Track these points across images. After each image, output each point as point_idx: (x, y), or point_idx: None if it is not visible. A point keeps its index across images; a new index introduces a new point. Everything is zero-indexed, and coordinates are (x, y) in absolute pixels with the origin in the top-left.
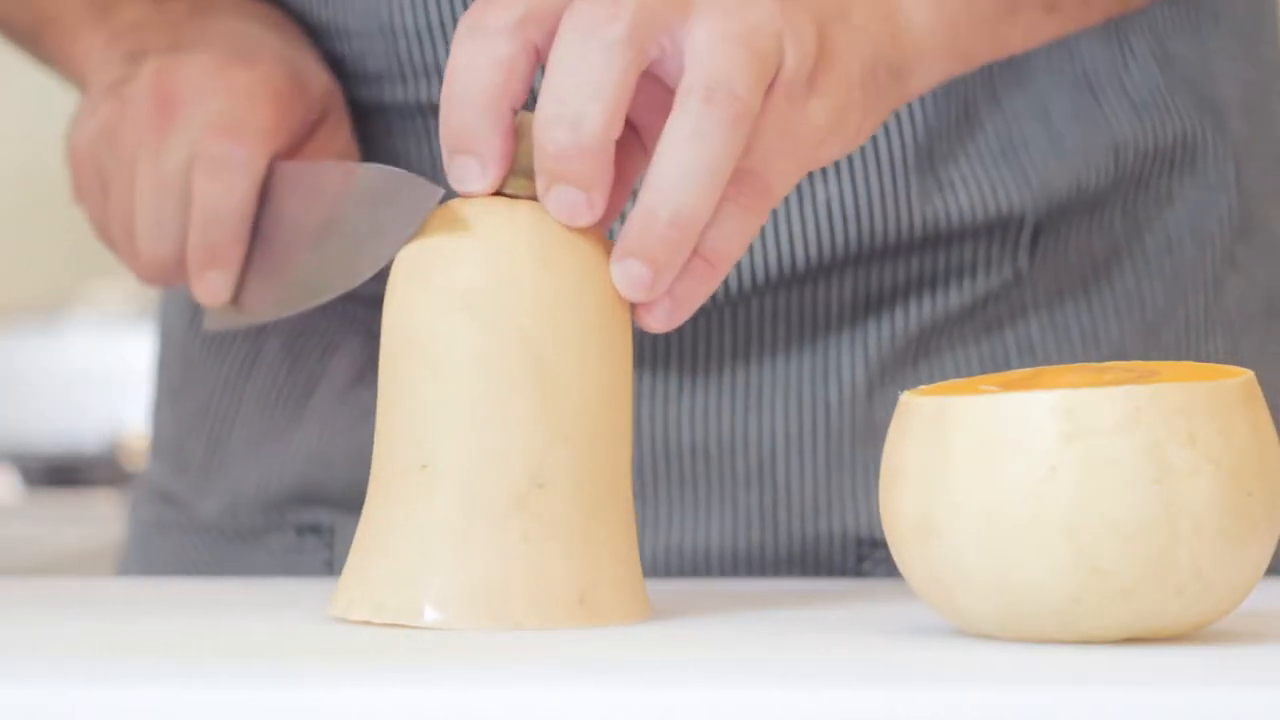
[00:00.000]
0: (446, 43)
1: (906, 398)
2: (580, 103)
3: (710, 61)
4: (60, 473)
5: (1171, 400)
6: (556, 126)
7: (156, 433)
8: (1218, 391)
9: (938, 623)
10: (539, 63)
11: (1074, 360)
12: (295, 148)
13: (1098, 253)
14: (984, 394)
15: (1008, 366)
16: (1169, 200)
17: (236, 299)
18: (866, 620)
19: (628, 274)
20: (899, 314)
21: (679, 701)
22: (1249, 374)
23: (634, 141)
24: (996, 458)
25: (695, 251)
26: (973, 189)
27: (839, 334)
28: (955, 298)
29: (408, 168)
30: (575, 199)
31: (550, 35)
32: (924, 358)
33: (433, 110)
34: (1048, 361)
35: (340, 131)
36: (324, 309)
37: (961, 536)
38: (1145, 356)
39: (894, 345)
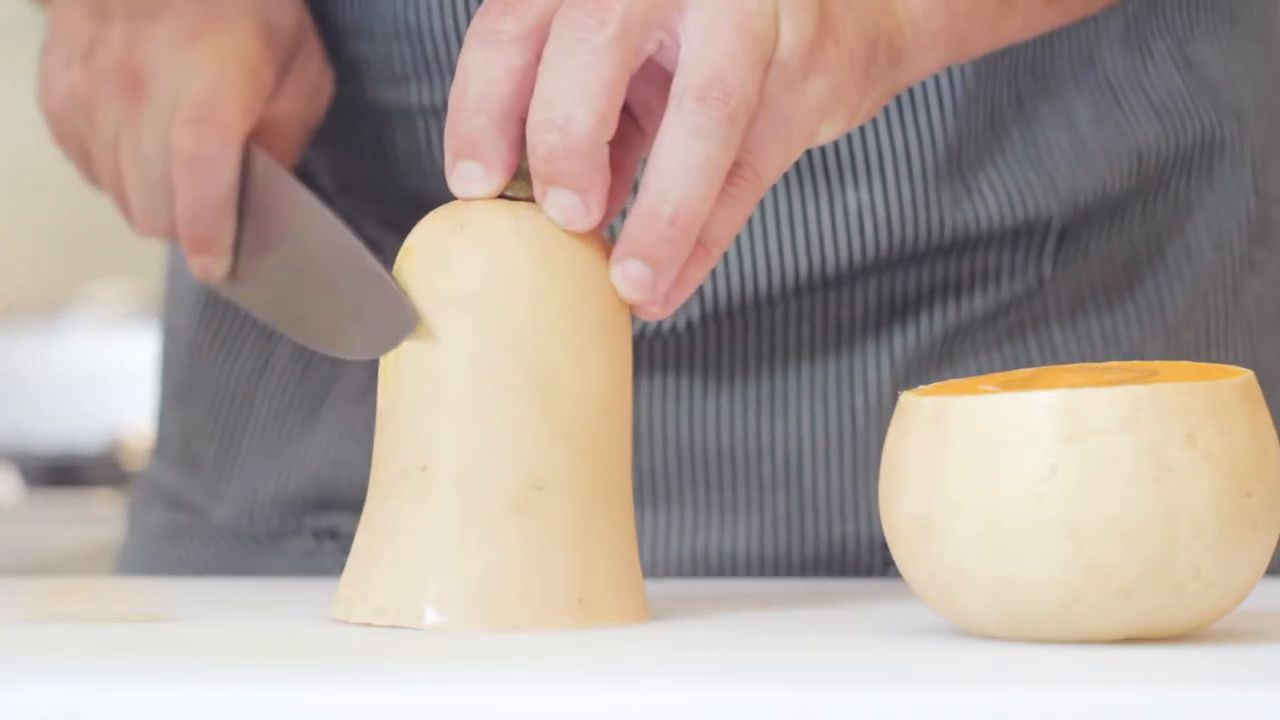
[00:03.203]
0: None
1: (906, 398)
2: (568, 106)
3: (704, 55)
4: (60, 473)
5: (1171, 400)
6: (546, 130)
7: (162, 434)
8: (1217, 391)
9: (938, 622)
10: None
11: None
12: (269, 102)
13: (1119, 258)
14: (984, 394)
15: None
16: (1188, 205)
17: (233, 271)
18: (866, 621)
19: (628, 274)
20: (924, 319)
21: (679, 702)
22: (1249, 374)
23: (635, 138)
24: (996, 458)
25: None
26: (1000, 195)
27: (865, 339)
28: (980, 303)
29: (431, 167)
30: (572, 203)
31: None
32: (948, 362)
33: None
34: None
35: (312, 63)
36: None
37: (961, 536)
38: (1166, 360)
39: (919, 350)
